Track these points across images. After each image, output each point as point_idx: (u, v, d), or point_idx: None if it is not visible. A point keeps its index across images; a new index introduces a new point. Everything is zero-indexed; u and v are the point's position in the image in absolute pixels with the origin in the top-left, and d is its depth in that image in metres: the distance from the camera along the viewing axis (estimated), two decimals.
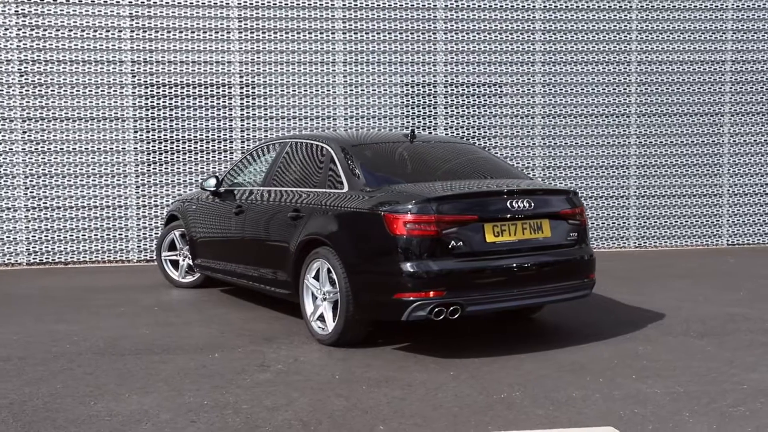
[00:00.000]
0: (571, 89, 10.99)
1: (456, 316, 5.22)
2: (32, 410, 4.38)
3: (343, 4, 10.51)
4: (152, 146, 10.31)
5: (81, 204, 10.19)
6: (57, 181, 10.13)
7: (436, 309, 5.14)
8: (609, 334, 6.02)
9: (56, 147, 10.12)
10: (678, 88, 11.20)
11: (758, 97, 11.35)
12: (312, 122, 10.54)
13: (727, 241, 11.43)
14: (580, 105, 11.02)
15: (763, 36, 11.24)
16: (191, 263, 8.10)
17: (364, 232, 5.44)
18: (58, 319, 6.85)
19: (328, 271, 5.68)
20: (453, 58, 10.72)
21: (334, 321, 5.66)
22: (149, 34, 10.19)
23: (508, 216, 5.40)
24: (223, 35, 10.33)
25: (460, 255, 5.23)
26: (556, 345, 5.73)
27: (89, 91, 10.14)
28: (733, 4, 11.21)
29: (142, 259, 10.34)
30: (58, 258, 10.17)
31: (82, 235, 10.21)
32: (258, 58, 10.41)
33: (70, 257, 10.19)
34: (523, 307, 5.84)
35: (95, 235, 10.23)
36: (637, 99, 11.15)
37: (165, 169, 10.33)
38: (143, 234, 10.32)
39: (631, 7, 11.05)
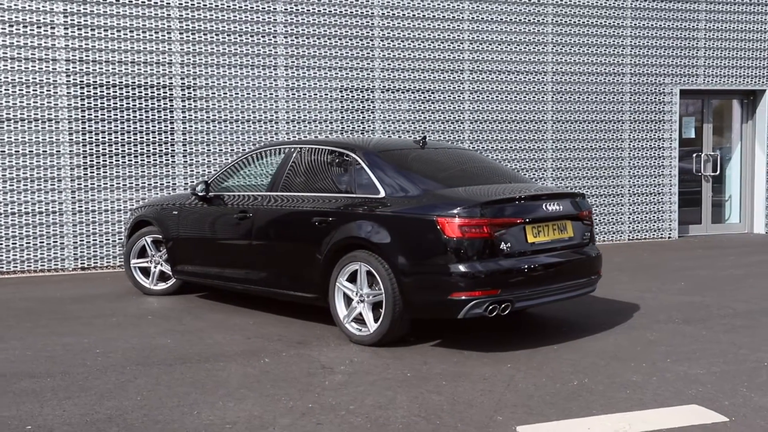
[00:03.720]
0: (496, 96, 11.66)
1: (506, 312, 5.60)
2: (141, 424, 4.30)
3: (285, 9, 10.55)
4: (89, 149, 9.85)
5: (11, 210, 9.57)
6: None
7: (491, 306, 5.49)
8: (608, 325, 6.60)
9: None
10: (586, 97, 12.18)
11: (651, 106, 12.56)
12: (254, 125, 10.50)
13: (628, 236, 12.56)
14: (503, 111, 11.72)
15: (655, 52, 12.46)
16: (165, 270, 7.92)
17: (414, 235, 5.68)
18: (54, 332, 6.52)
19: (368, 273, 5.87)
20: (389, 64, 11.06)
21: (375, 322, 5.86)
22: (85, 32, 9.74)
23: (543, 218, 5.85)
24: (163, 35, 10.06)
25: (508, 255, 5.61)
26: (574, 336, 6.23)
27: (20, 90, 9.55)
28: (631, 23, 12.34)
29: (77, 268, 9.86)
30: None
31: (13, 243, 9.59)
32: (200, 60, 10.23)
33: None
34: (556, 301, 6.29)
35: (27, 243, 9.64)
36: (552, 107, 12.00)
37: (103, 172, 9.91)
38: (79, 241, 9.85)
39: (546, 21, 11.88)
